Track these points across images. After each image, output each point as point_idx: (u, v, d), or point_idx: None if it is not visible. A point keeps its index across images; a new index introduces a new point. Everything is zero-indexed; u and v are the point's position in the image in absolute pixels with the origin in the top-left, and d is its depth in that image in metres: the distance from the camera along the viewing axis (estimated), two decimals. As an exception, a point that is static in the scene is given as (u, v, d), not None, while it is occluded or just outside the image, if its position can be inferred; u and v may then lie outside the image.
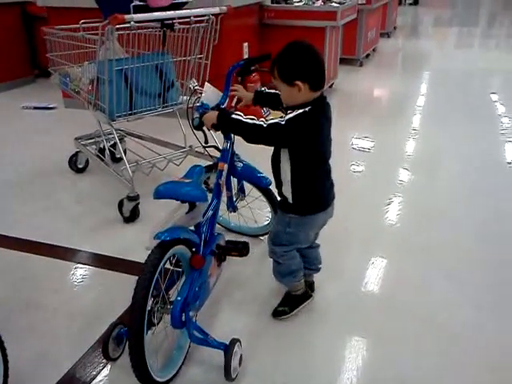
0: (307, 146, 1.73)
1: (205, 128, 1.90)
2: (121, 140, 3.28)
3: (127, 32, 2.53)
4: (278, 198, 1.97)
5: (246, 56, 4.60)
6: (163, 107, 2.92)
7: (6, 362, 1.51)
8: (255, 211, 2.53)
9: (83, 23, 2.85)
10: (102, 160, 3.06)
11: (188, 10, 2.79)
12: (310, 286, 2.12)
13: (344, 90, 5.61)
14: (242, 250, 1.98)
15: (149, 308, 1.56)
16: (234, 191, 2.28)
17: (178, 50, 2.89)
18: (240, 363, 1.73)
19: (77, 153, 3.36)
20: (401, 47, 8.74)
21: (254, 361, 1.80)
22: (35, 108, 4.87)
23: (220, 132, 1.91)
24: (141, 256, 1.62)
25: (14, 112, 4.82)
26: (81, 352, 1.84)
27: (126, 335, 1.73)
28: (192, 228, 1.80)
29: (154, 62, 2.80)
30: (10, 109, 4.93)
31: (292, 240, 1.91)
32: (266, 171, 2.04)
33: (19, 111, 4.83)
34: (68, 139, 3.39)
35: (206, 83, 2.02)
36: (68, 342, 1.90)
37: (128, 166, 2.75)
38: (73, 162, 3.38)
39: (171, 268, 1.81)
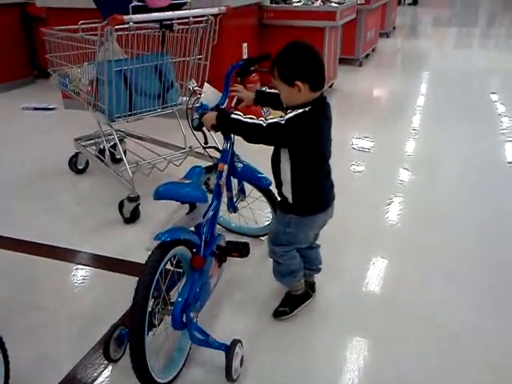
0: (307, 145, 1.73)
1: (204, 129, 1.90)
2: (121, 141, 3.27)
3: (126, 33, 2.53)
4: (278, 199, 1.97)
5: (245, 56, 4.60)
6: (163, 108, 2.92)
7: (6, 363, 1.51)
8: (256, 212, 2.53)
9: (82, 24, 2.85)
10: (102, 161, 3.06)
11: (187, 11, 2.79)
12: (310, 287, 2.12)
13: (343, 90, 5.61)
14: (242, 250, 1.98)
15: (149, 309, 1.56)
16: (235, 192, 2.28)
17: (177, 51, 2.89)
18: (241, 364, 1.73)
19: (77, 154, 3.36)
20: (400, 47, 8.75)
21: (254, 361, 1.80)
22: (35, 109, 4.87)
23: (220, 133, 1.91)
24: (141, 257, 1.62)
25: (14, 113, 4.82)
26: (82, 353, 1.83)
27: (126, 336, 1.73)
28: (192, 229, 1.79)
29: (153, 63, 2.80)
30: (9, 110, 4.93)
31: (292, 240, 1.91)
32: (266, 171, 2.04)
33: (19, 112, 4.83)
34: (68, 140, 3.39)
35: (206, 84, 2.02)
36: (69, 343, 1.90)
37: (128, 166, 2.75)
38: (73, 162, 3.38)
39: (172, 269, 1.81)
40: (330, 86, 5.47)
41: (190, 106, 2.00)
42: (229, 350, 1.68)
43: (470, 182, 3.31)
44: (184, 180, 1.82)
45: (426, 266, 2.40)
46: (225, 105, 2.00)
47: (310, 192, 1.85)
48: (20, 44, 5.68)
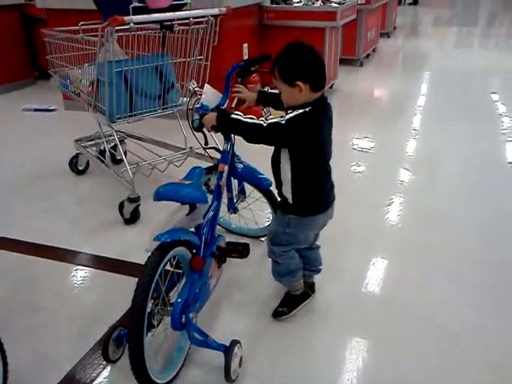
0: (307, 145, 1.73)
1: (205, 129, 1.90)
2: (121, 142, 3.28)
3: (127, 34, 2.53)
4: (278, 199, 1.97)
5: (245, 57, 4.60)
6: (163, 109, 2.93)
7: (5, 363, 1.51)
8: (256, 212, 2.53)
9: (83, 25, 2.85)
10: (103, 162, 3.07)
11: (187, 12, 2.79)
12: (310, 287, 2.12)
13: (344, 91, 5.61)
14: (242, 251, 1.98)
15: (149, 310, 1.57)
16: (235, 192, 2.28)
17: (178, 52, 2.89)
18: (240, 365, 1.73)
19: (77, 154, 3.36)
20: (401, 47, 8.74)
21: (254, 362, 1.80)
22: (35, 110, 4.88)
23: (220, 133, 1.91)
24: (141, 258, 1.62)
25: (15, 114, 4.83)
26: (81, 353, 1.84)
27: (125, 337, 1.73)
28: (192, 230, 1.80)
29: (153, 64, 2.80)
30: (10, 111, 4.94)
31: (291, 240, 1.91)
32: (267, 172, 2.04)
33: (20, 113, 4.84)
34: (68, 141, 3.39)
35: (206, 84, 2.02)
36: (68, 344, 1.90)
37: (128, 167, 2.75)
38: (73, 163, 3.38)
39: (171, 270, 1.81)
40: (331, 87, 5.47)
41: (190, 107, 2.00)
42: (227, 350, 1.68)
43: (471, 182, 3.31)
44: (184, 181, 1.82)
45: (426, 266, 2.39)
46: (225, 105, 2.00)
47: (310, 192, 1.85)
48: (20, 45, 5.68)
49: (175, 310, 1.65)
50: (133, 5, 2.51)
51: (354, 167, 3.54)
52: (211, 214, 1.90)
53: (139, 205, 2.75)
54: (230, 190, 2.20)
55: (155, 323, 1.65)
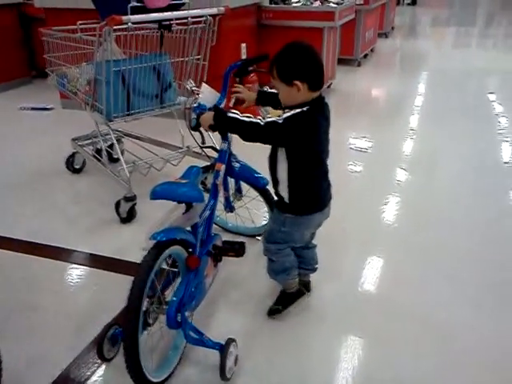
0: (304, 145, 1.73)
1: (202, 128, 1.90)
2: (118, 141, 3.28)
3: (125, 33, 2.54)
4: (275, 198, 1.98)
5: (243, 57, 4.60)
6: (161, 108, 2.92)
7: (-1, 361, 1.51)
8: (252, 211, 2.53)
9: (81, 24, 2.85)
10: (99, 161, 3.07)
11: (185, 11, 2.79)
12: (305, 286, 2.13)
13: (342, 90, 5.62)
14: (238, 250, 1.98)
15: (144, 308, 1.57)
16: (232, 191, 2.29)
17: (176, 51, 2.89)
18: (235, 363, 1.74)
19: (74, 153, 3.36)
20: (399, 47, 8.75)
21: (249, 360, 1.80)
22: (33, 109, 4.87)
23: (217, 133, 1.92)
24: (137, 256, 1.62)
25: (12, 113, 4.82)
26: (76, 352, 1.84)
27: (121, 336, 1.73)
28: (189, 228, 1.80)
29: (151, 63, 2.80)
30: (7, 110, 4.93)
31: (286, 239, 1.91)
32: (263, 171, 2.04)
33: (17, 112, 4.83)
34: (65, 140, 3.39)
35: (203, 84, 2.02)
36: (63, 343, 1.90)
37: (125, 166, 2.75)
38: (70, 162, 3.38)
39: (167, 268, 1.81)
40: (329, 86, 5.47)
41: (187, 106, 2.00)
42: (223, 349, 1.68)
43: (468, 182, 3.32)
44: (181, 180, 1.82)
45: (423, 265, 2.40)
46: (223, 105, 2.00)
47: (307, 192, 1.85)
48: (18, 44, 5.67)
49: (171, 308, 1.66)
50: (131, 4, 2.51)
51: (351, 167, 3.55)
52: (207, 212, 1.90)
53: (135, 204, 2.75)
54: (226, 188, 2.20)
55: (150, 322, 1.66)
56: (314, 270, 2.12)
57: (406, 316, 2.05)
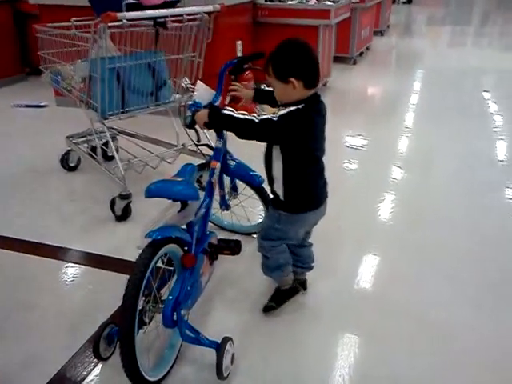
0: (299, 142, 1.73)
1: (197, 126, 1.89)
2: (113, 138, 3.26)
3: (120, 30, 2.52)
4: (271, 196, 1.97)
5: (239, 54, 4.59)
6: (156, 105, 2.91)
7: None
8: (248, 209, 2.53)
9: (75, 21, 2.83)
10: (94, 158, 3.05)
11: (181, 8, 2.77)
12: (302, 284, 2.13)
13: (337, 88, 5.62)
14: (234, 248, 1.98)
15: (140, 307, 1.56)
16: (227, 189, 2.28)
17: (171, 48, 2.88)
18: (232, 362, 1.73)
19: (68, 151, 3.34)
20: (394, 45, 8.76)
21: (246, 359, 1.80)
22: (27, 106, 4.84)
23: (213, 130, 1.91)
24: (132, 255, 1.62)
25: (5, 110, 4.78)
26: (72, 351, 1.83)
27: (117, 335, 1.72)
28: (184, 227, 1.79)
29: (146, 60, 2.79)
30: (0, 107, 4.88)
31: (281, 236, 1.91)
32: (259, 169, 2.04)
33: (10, 109, 4.79)
34: (60, 137, 3.37)
35: (199, 81, 2.01)
36: (58, 342, 1.89)
37: (120, 164, 2.74)
38: (64, 160, 3.36)
39: (163, 267, 1.80)
40: (324, 84, 5.47)
41: (182, 104, 1.99)
42: (219, 347, 1.68)
43: (463, 180, 3.33)
44: (176, 178, 1.81)
45: (418, 263, 2.40)
46: (218, 103, 2.00)
47: (302, 190, 1.85)
48: (12, 41, 5.63)
49: (167, 307, 1.65)
50: (126, 1, 2.49)
51: (346, 165, 3.55)
52: (203, 211, 1.89)
53: (131, 202, 2.74)
54: (222, 187, 2.20)
55: (146, 320, 1.65)
56: (311, 268, 2.12)
57: (401, 314, 2.06)
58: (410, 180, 3.34)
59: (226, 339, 1.71)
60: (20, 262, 2.39)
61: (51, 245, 2.52)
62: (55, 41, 2.95)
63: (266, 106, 2.07)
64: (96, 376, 1.74)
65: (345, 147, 3.89)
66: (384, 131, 4.30)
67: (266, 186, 2.03)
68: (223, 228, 2.61)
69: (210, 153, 2.02)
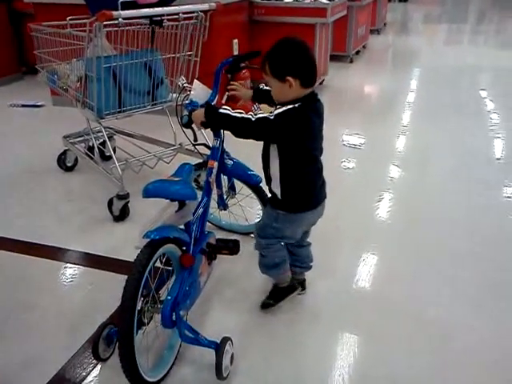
0: (295, 141, 1.72)
1: (194, 125, 1.88)
2: (110, 138, 3.25)
3: (115, 29, 2.50)
4: (269, 195, 1.97)
5: (235, 53, 4.58)
6: (152, 105, 2.91)
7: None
8: (246, 209, 2.52)
9: (71, 20, 2.82)
10: (91, 158, 3.04)
11: (177, 7, 2.77)
12: (301, 284, 2.12)
13: (334, 87, 5.61)
14: (232, 248, 1.97)
15: (139, 308, 1.55)
16: (225, 189, 2.27)
17: (167, 47, 2.87)
18: (231, 362, 1.72)
19: (65, 151, 3.33)
20: (391, 44, 8.76)
21: (245, 359, 1.80)
22: (23, 106, 4.82)
23: (210, 129, 1.90)
24: (131, 255, 1.61)
25: (2, 110, 4.76)
26: (71, 352, 1.82)
27: (115, 335, 1.72)
28: (182, 227, 1.78)
29: (142, 59, 2.78)
30: (-3, 107, 4.88)
31: (277, 234, 1.91)
32: (257, 169, 2.03)
33: (7, 109, 4.77)
34: (56, 137, 3.35)
35: (195, 80, 2.00)
36: (57, 343, 1.88)
37: (117, 164, 2.73)
38: (61, 160, 3.35)
39: (161, 267, 1.80)
40: (321, 83, 5.47)
41: (179, 103, 1.98)
42: (219, 347, 1.67)
43: (460, 178, 3.33)
44: (173, 178, 1.80)
45: (417, 262, 2.40)
46: (215, 102, 1.99)
47: (299, 189, 1.84)
48: (7, 40, 5.60)
49: (165, 307, 1.64)
50: (121, 0, 2.48)
51: (344, 163, 3.55)
52: (201, 210, 1.89)
53: (128, 201, 2.73)
54: (219, 186, 2.19)
55: (145, 321, 1.65)
56: (309, 267, 2.11)
57: (399, 313, 2.05)
58: (407, 178, 3.34)
59: (226, 339, 1.71)
60: (17, 263, 2.38)
61: (49, 245, 2.51)
62: (50, 40, 2.94)
63: (264, 106, 2.06)
64: (95, 377, 1.73)
65: (342, 146, 3.89)
66: (381, 129, 4.30)
67: (263, 185, 2.02)
68: (221, 228, 2.60)
69: (208, 152, 2.02)
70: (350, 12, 6.07)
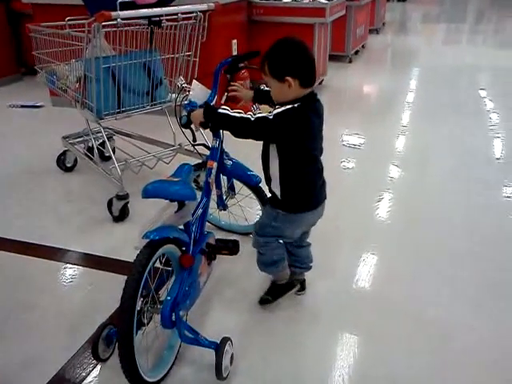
0: (294, 141, 1.72)
1: (193, 126, 1.88)
2: (109, 138, 3.25)
3: (114, 29, 2.50)
4: (269, 195, 1.97)
5: (234, 53, 4.58)
6: (151, 105, 2.91)
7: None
8: (245, 209, 2.52)
9: (69, 20, 2.82)
10: (91, 159, 3.04)
11: (175, 7, 2.77)
12: (301, 284, 2.12)
13: (333, 87, 5.61)
14: (232, 248, 1.97)
15: (138, 308, 1.55)
16: (224, 189, 2.27)
17: (166, 48, 2.87)
18: (231, 362, 1.72)
19: (65, 152, 3.33)
20: (390, 43, 8.76)
21: (245, 359, 1.80)
22: (22, 106, 4.82)
23: (209, 130, 1.90)
24: (130, 255, 1.61)
25: (1, 111, 4.76)
26: (70, 353, 1.82)
27: (115, 336, 1.72)
28: (181, 227, 1.78)
29: (141, 60, 2.78)
30: (-4, 107, 4.87)
31: (276, 233, 1.91)
32: (256, 169, 2.03)
33: (6, 110, 4.77)
34: (56, 138, 3.35)
35: (194, 81, 2.00)
36: (57, 343, 1.88)
37: (117, 164, 2.73)
38: (61, 160, 3.34)
39: (161, 267, 1.80)
40: (320, 83, 5.47)
41: (178, 103, 1.98)
42: (218, 348, 1.67)
43: (460, 178, 3.33)
44: (172, 178, 1.80)
45: (416, 262, 2.40)
46: (214, 102, 1.99)
47: (299, 189, 1.84)
48: (6, 41, 5.59)
49: (165, 308, 1.64)
50: (120, 0, 2.48)
51: (343, 163, 3.55)
52: (200, 211, 1.89)
53: (128, 202, 2.73)
54: (219, 186, 2.19)
55: (145, 321, 1.65)
56: (309, 268, 2.11)
57: (399, 313, 2.05)
58: (406, 178, 3.35)
59: (225, 339, 1.71)
60: (18, 264, 2.38)
61: (48, 246, 2.50)
62: (49, 40, 2.94)
63: (264, 106, 2.07)
64: (95, 377, 1.73)
65: (342, 146, 3.89)
66: (380, 129, 4.30)
67: (263, 185, 2.02)
68: (221, 228, 2.60)
69: (207, 152, 2.02)
70: (348, 12, 6.08)
